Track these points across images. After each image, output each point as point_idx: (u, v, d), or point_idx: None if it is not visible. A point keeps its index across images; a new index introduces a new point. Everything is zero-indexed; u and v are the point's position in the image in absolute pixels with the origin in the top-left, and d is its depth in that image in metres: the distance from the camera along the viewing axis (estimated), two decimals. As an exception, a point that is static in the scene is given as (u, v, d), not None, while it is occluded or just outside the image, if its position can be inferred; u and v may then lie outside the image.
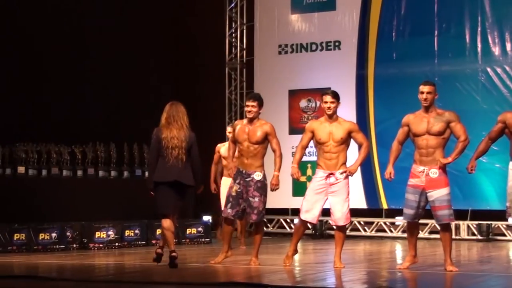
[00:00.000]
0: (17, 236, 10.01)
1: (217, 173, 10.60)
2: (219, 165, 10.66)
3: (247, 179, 8.24)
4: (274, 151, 8.25)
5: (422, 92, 7.71)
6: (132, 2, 13.00)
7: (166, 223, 7.92)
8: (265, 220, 12.78)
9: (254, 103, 8.27)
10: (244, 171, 8.26)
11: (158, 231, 10.94)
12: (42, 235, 10.25)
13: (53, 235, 10.34)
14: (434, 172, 7.64)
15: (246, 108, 8.36)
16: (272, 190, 8.27)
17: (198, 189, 8.16)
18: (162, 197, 7.89)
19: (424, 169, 7.67)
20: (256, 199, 8.22)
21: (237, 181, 8.27)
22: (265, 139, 8.25)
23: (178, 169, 7.85)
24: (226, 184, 9.49)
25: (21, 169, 10.80)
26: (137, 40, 13.06)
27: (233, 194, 8.28)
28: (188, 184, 7.92)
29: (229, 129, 9.55)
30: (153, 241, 10.81)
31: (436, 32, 12.34)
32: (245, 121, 8.40)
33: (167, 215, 7.93)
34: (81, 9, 12.34)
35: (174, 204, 7.93)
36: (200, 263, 8.59)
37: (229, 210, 8.29)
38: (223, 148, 10.34)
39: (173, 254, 7.88)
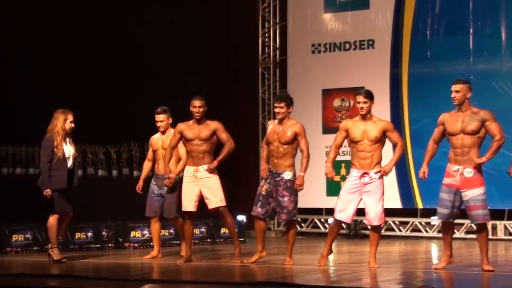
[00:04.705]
0: (53, 235, 10.13)
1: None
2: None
3: (277, 179, 8.24)
4: (301, 151, 8.25)
5: (452, 91, 7.68)
6: (164, 2, 13.05)
7: (55, 220, 8.57)
8: (299, 219, 12.77)
9: (281, 104, 8.27)
10: (274, 171, 8.27)
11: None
12: (78, 235, 10.37)
13: (89, 234, 10.45)
14: (469, 172, 7.58)
15: (274, 110, 8.38)
16: (296, 190, 8.27)
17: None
18: (59, 199, 8.60)
19: (458, 168, 7.60)
20: (286, 199, 8.22)
21: (268, 180, 8.28)
22: (295, 140, 8.26)
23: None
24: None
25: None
26: (170, 40, 13.11)
27: (263, 193, 8.30)
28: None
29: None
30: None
31: (471, 31, 12.22)
32: (276, 121, 8.41)
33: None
34: (117, 8, 12.40)
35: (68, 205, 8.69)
36: (234, 263, 8.58)
37: (259, 209, 8.30)
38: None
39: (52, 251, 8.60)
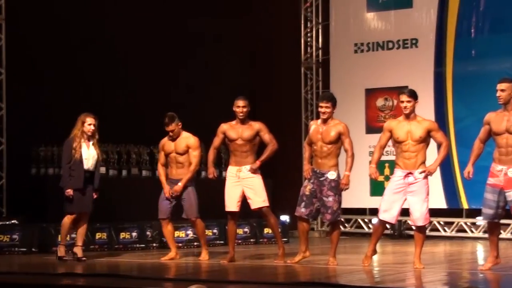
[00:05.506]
0: (99, 235, 10.27)
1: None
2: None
3: (321, 179, 8.22)
4: (346, 151, 8.23)
5: (497, 90, 7.60)
6: (207, 2, 13.10)
7: (69, 220, 8.87)
8: (342, 220, 12.73)
9: (328, 104, 8.25)
10: (318, 171, 8.25)
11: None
12: (123, 234, 10.47)
13: (134, 234, 10.55)
14: (513, 172, 7.49)
15: (319, 109, 8.35)
16: (342, 190, 8.25)
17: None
18: (75, 200, 8.83)
19: (502, 168, 7.51)
20: (330, 199, 8.20)
21: (311, 181, 8.26)
22: (339, 139, 8.23)
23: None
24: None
25: (102, 170, 11.01)
26: (213, 41, 13.16)
27: (307, 193, 8.28)
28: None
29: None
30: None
31: (516, 29, 12.06)
32: (319, 121, 8.39)
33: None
34: (154, 10, 12.50)
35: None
36: (277, 263, 8.58)
37: (303, 209, 8.29)
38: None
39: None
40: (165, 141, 9.24)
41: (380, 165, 9.44)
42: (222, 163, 11.77)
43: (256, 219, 11.23)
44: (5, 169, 10.83)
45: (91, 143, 8.90)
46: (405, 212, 8.14)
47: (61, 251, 8.92)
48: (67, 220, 8.89)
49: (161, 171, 9.24)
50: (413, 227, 8.18)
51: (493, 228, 7.75)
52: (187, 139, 9.14)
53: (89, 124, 8.85)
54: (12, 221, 10.22)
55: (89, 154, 8.87)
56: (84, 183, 8.81)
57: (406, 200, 7.95)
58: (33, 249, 9.86)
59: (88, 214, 8.96)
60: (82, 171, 8.79)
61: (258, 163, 8.59)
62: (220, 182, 9.04)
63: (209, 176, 8.82)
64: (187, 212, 9.10)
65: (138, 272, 8.17)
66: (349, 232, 13.23)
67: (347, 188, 8.28)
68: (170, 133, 9.14)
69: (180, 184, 9.00)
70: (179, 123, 9.13)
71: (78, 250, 8.91)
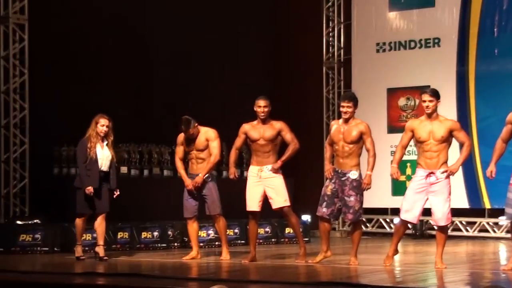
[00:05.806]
0: (120, 235, 10.32)
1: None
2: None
3: (343, 178, 8.20)
4: (368, 150, 8.20)
5: None
6: (229, 2, 13.12)
7: (81, 220, 8.96)
8: (364, 219, 12.70)
9: (350, 104, 8.23)
10: (339, 170, 8.24)
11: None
12: (144, 234, 10.52)
13: (155, 234, 10.59)
14: (536, 171, 7.44)
15: (341, 109, 8.32)
16: (364, 189, 8.22)
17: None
18: (92, 200, 8.89)
19: (526, 168, 7.48)
20: (352, 198, 8.18)
21: (333, 180, 8.25)
22: (360, 139, 8.21)
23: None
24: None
25: (123, 169, 11.09)
26: (234, 40, 13.18)
27: (328, 193, 8.26)
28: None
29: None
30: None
31: (540, 27, 11.98)
32: (340, 121, 8.37)
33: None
34: (179, 11, 12.53)
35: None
36: (299, 262, 8.58)
37: (324, 209, 8.28)
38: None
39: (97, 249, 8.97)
40: (184, 136, 9.14)
41: (402, 165, 9.39)
42: (243, 163, 11.77)
43: (278, 219, 11.23)
44: (27, 169, 10.91)
45: (105, 144, 8.94)
46: (427, 212, 8.11)
47: (78, 251, 8.96)
48: (78, 220, 8.95)
49: (179, 164, 9.16)
50: (435, 227, 8.14)
51: (516, 228, 7.70)
52: (206, 133, 9.09)
53: (102, 125, 8.88)
54: (35, 221, 10.31)
55: (103, 155, 8.91)
56: (99, 184, 8.84)
57: (428, 200, 7.92)
58: (55, 249, 9.94)
59: (104, 214, 8.96)
60: (97, 170, 8.84)
61: (279, 163, 8.59)
62: (241, 182, 9.04)
63: (230, 176, 8.81)
64: (210, 208, 9.09)
65: (159, 271, 8.20)
66: (371, 232, 13.19)
67: (369, 188, 8.25)
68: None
69: (200, 175, 8.94)
70: (196, 124, 9.04)
71: (99, 250, 8.95)
